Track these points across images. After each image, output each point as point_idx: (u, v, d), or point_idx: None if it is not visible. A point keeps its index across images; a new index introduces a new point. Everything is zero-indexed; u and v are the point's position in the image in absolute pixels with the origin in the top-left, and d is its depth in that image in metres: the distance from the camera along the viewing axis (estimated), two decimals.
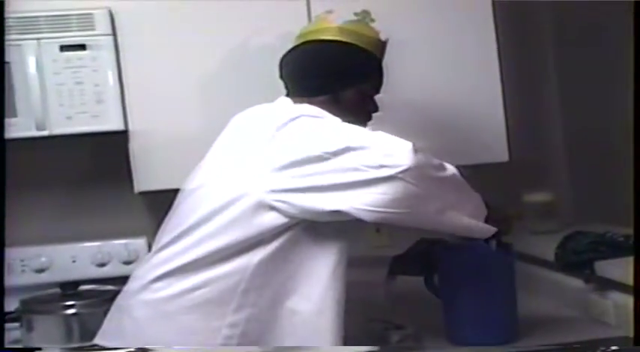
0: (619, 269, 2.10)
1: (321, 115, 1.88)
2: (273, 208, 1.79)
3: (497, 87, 2.60)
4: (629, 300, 2.04)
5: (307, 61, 2.03)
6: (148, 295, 1.87)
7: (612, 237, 2.23)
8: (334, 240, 1.87)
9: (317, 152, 1.76)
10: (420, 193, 1.74)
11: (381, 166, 1.72)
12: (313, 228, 1.84)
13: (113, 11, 2.48)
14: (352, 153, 1.74)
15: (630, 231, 2.20)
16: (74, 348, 2.34)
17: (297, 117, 1.85)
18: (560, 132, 3.06)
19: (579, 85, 2.89)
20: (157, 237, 1.97)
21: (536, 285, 2.44)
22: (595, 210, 2.77)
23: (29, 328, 2.40)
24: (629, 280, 2.01)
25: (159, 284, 1.86)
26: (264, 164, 1.80)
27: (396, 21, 2.45)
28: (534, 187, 2.68)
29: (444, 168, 1.84)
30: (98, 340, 1.99)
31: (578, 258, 2.22)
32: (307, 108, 1.90)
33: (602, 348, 1.85)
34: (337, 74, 2.00)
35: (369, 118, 2.04)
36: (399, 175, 1.71)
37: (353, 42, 2.00)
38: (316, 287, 1.85)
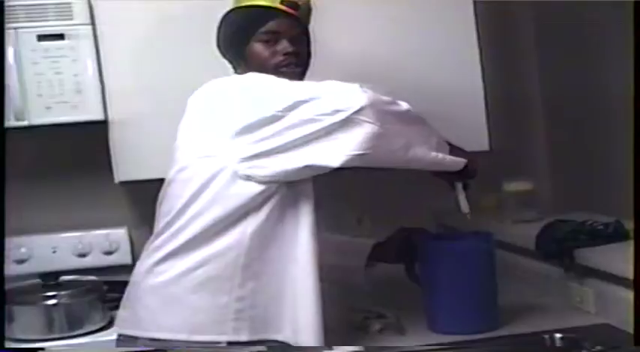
0: (599, 257, 2.12)
1: (267, 79, 1.89)
2: (247, 177, 1.81)
3: (478, 75, 2.60)
4: (608, 288, 2.06)
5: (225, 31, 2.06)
6: (153, 279, 1.90)
7: (592, 225, 2.24)
8: (312, 201, 1.89)
9: (269, 113, 1.77)
10: (379, 130, 1.74)
11: (335, 111, 1.73)
12: (293, 194, 1.86)
13: (91, 0, 2.46)
14: (304, 105, 1.76)
15: (609, 218, 2.23)
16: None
17: (245, 87, 1.88)
18: (541, 121, 3.07)
19: (561, 74, 2.90)
20: (155, 225, 1.98)
21: (516, 273, 2.45)
22: (575, 199, 2.78)
23: (10, 319, 2.39)
24: (609, 268, 2.03)
25: (161, 268, 1.88)
26: (225, 135, 1.82)
27: (377, 7, 2.46)
28: (514, 176, 2.68)
29: (397, 104, 1.85)
30: (118, 326, 2.01)
31: (558, 246, 2.23)
32: (252, 76, 1.92)
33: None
34: (232, 35, 2.02)
35: (287, 60, 1.98)
36: (355, 116, 1.72)
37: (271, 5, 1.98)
38: (302, 251, 1.87)
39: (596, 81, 2.60)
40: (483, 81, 2.60)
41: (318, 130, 1.75)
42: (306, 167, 1.79)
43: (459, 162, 1.98)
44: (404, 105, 1.87)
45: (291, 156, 1.78)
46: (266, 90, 1.86)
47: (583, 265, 2.16)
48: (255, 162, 1.80)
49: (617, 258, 1.99)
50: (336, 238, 2.23)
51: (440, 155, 1.94)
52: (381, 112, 1.76)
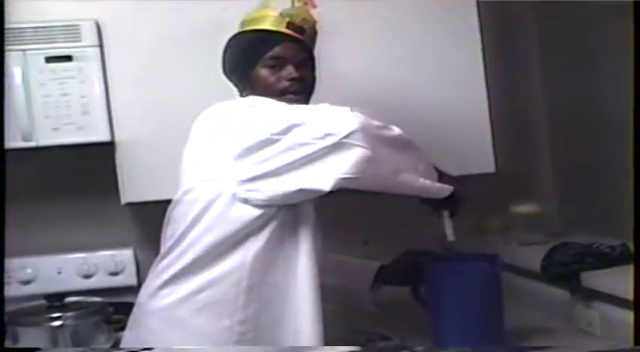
0: (605, 280, 2.11)
1: (266, 103, 1.91)
2: (245, 200, 1.82)
3: (484, 97, 2.60)
4: (615, 311, 2.05)
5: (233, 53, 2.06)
6: (157, 303, 1.90)
7: (598, 248, 2.24)
8: (312, 225, 1.90)
9: (264, 136, 1.78)
10: (369, 154, 1.75)
11: (326, 135, 1.73)
12: (294, 216, 1.87)
13: (100, 22, 2.48)
14: (297, 129, 1.76)
15: (616, 241, 2.22)
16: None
17: (244, 110, 1.89)
18: (547, 143, 3.07)
19: (567, 96, 2.90)
20: (161, 246, 1.99)
21: (522, 296, 2.44)
22: (581, 221, 2.78)
23: (14, 340, 2.39)
24: (616, 291, 2.03)
25: (165, 291, 1.89)
26: (226, 158, 1.83)
27: (380, 29, 2.46)
28: (520, 198, 2.68)
29: (388, 128, 1.86)
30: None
31: (564, 269, 2.22)
32: (253, 99, 1.94)
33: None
34: (238, 61, 2.03)
35: (292, 86, 2.00)
36: (345, 140, 1.73)
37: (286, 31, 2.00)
38: (303, 273, 1.87)
39: (602, 102, 2.60)
40: (489, 103, 2.60)
41: (310, 154, 1.75)
42: (299, 191, 1.79)
43: (446, 189, 1.98)
44: (395, 130, 1.87)
45: (284, 179, 1.79)
46: (263, 113, 1.87)
47: (589, 288, 2.16)
48: (252, 185, 1.81)
49: (623, 281, 1.99)
50: (341, 260, 2.23)
51: (427, 182, 1.94)
52: (371, 136, 1.76)
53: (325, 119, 1.77)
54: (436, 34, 2.59)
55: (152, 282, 1.94)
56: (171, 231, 1.94)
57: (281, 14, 2.01)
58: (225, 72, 2.08)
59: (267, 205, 1.83)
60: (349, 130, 1.73)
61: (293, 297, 1.87)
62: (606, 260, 2.19)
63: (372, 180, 1.81)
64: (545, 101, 3.05)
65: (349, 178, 1.75)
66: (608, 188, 2.60)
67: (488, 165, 2.60)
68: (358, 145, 1.73)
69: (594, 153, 2.70)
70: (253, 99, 1.94)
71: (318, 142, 1.74)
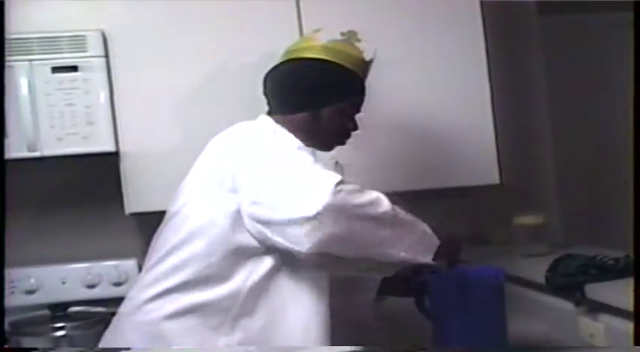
0: (609, 292, 2.11)
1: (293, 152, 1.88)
2: (248, 230, 1.81)
3: (488, 109, 2.61)
4: (619, 323, 2.04)
5: (289, 78, 2.02)
6: (141, 316, 1.88)
7: (602, 260, 2.23)
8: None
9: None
10: (337, 233, 1.74)
11: (302, 209, 1.72)
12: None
13: (106, 33, 2.49)
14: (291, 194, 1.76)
15: (620, 253, 2.22)
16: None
17: (269, 141, 1.90)
18: (551, 155, 3.07)
19: (570, 108, 2.90)
20: (147, 258, 1.97)
21: (526, 308, 2.44)
22: (585, 233, 2.77)
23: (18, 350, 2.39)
24: (620, 303, 2.02)
25: (151, 306, 1.87)
26: (241, 185, 1.81)
27: (387, 41, 2.46)
28: (525, 210, 2.68)
29: (374, 204, 1.82)
30: None
31: (568, 280, 2.22)
32: (282, 138, 1.92)
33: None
34: (318, 91, 1.99)
35: (348, 136, 2.05)
36: (313, 220, 1.71)
37: (336, 60, 2.00)
38: (302, 313, 1.87)
39: (606, 115, 2.60)
40: (493, 115, 2.61)
41: (289, 219, 1.74)
42: (286, 247, 1.77)
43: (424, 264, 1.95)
44: (382, 207, 1.82)
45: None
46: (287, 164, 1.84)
47: (594, 300, 2.15)
48: (254, 222, 1.79)
49: (627, 293, 1.98)
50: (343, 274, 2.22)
51: (409, 256, 1.89)
52: (344, 216, 1.74)
53: (303, 193, 1.75)
54: (443, 47, 2.60)
55: (139, 294, 1.90)
56: (161, 242, 1.92)
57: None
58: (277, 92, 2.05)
59: (263, 243, 1.82)
60: (315, 212, 1.71)
61: (290, 328, 1.86)
62: (610, 272, 2.19)
63: (336, 259, 1.79)
64: (550, 114, 3.06)
65: (317, 254, 1.74)
66: (612, 200, 2.60)
67: (492, 177, 2.60)
68: (326, 224, 1.71)
69: (598, 165, 2.70)
70: (283, 139, 1.92)
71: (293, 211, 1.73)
